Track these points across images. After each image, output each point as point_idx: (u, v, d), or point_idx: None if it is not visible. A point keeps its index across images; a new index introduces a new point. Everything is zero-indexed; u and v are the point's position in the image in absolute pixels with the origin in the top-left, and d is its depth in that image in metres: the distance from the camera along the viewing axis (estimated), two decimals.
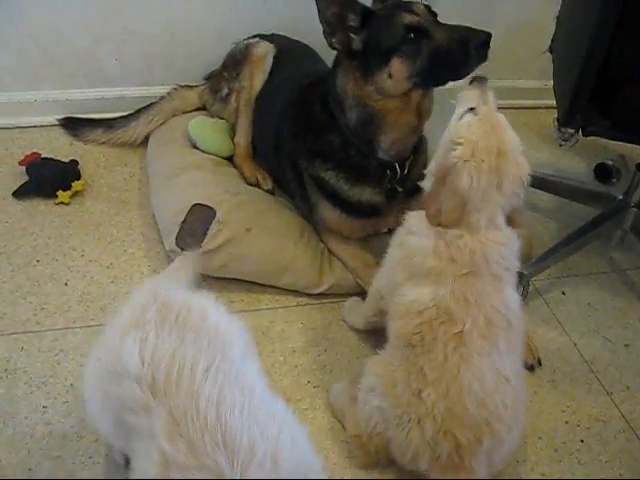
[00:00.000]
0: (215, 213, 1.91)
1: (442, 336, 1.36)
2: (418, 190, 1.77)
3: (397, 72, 1.73)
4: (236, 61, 2.32)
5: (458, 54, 1.68)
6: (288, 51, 2.33)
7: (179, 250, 1.87)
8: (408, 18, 1.72)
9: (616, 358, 1.93)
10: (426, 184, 1.50)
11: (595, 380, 1.86)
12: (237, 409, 1.02)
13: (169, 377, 1.04)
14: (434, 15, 1.78)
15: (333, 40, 1.78)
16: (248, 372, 1.14)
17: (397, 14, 1.73)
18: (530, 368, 1.84)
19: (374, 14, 1.76)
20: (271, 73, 2.28)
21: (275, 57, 2.30)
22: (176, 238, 1.90)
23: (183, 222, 1.92)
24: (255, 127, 2.30)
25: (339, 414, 1.64)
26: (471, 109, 1.47)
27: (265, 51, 2.29)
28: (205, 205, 1.94)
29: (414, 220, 1.51)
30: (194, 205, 1.94)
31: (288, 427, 1.06)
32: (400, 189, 1.91)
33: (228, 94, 2.34)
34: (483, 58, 1.68)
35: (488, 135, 1.41)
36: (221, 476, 0.94)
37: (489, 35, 1.66)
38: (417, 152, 1.96)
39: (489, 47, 1.67)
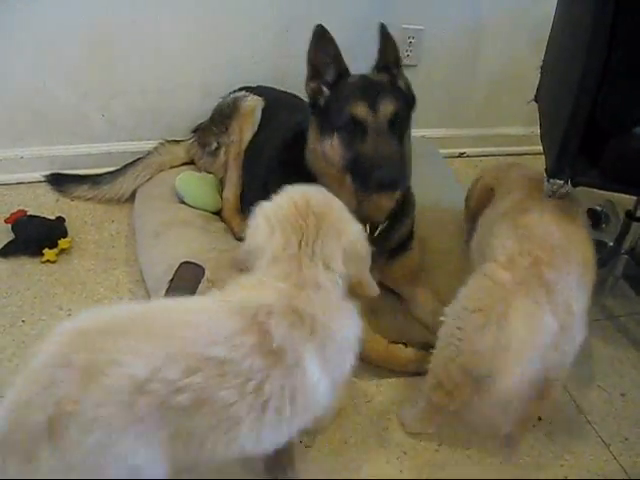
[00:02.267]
0: (204, 271, 1.89)
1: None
2: (395, 254, 1.92)
3: (336, 147, 1.76)
4: (224, 115, 2.33)
5: (364, 171, 1.71)
6: (276, 102, 2.34)
7: None
8: (359, 109, 1.73)
9: (613, 408, 1.90)
10: None
11: (592, 432, 1.82)
12: None
13: None
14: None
15: (310, 84, 1.80)
16: None
17: (354, 100, 1.73)
18: None
19: (344, 81, 1.79)
20: (259, 126, 2.29)
21: (263, 109, 2.31)
22: (164, 297, 1.87)
23: (171, 280, 1.89)
24: (244, 181, 2.29)
25: None
26: None
27: (254, 105, 2.30)
28: (193, 263, 1.92)
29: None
30: (182, 263, 1.92)
31: None
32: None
33: (217, 148, 2.35)
34: (378, 189, 1.74)
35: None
36: None
37: (394, 182, 1.72)
38: (395, 218, 1.94)
39: (390, 189, 1.77)
